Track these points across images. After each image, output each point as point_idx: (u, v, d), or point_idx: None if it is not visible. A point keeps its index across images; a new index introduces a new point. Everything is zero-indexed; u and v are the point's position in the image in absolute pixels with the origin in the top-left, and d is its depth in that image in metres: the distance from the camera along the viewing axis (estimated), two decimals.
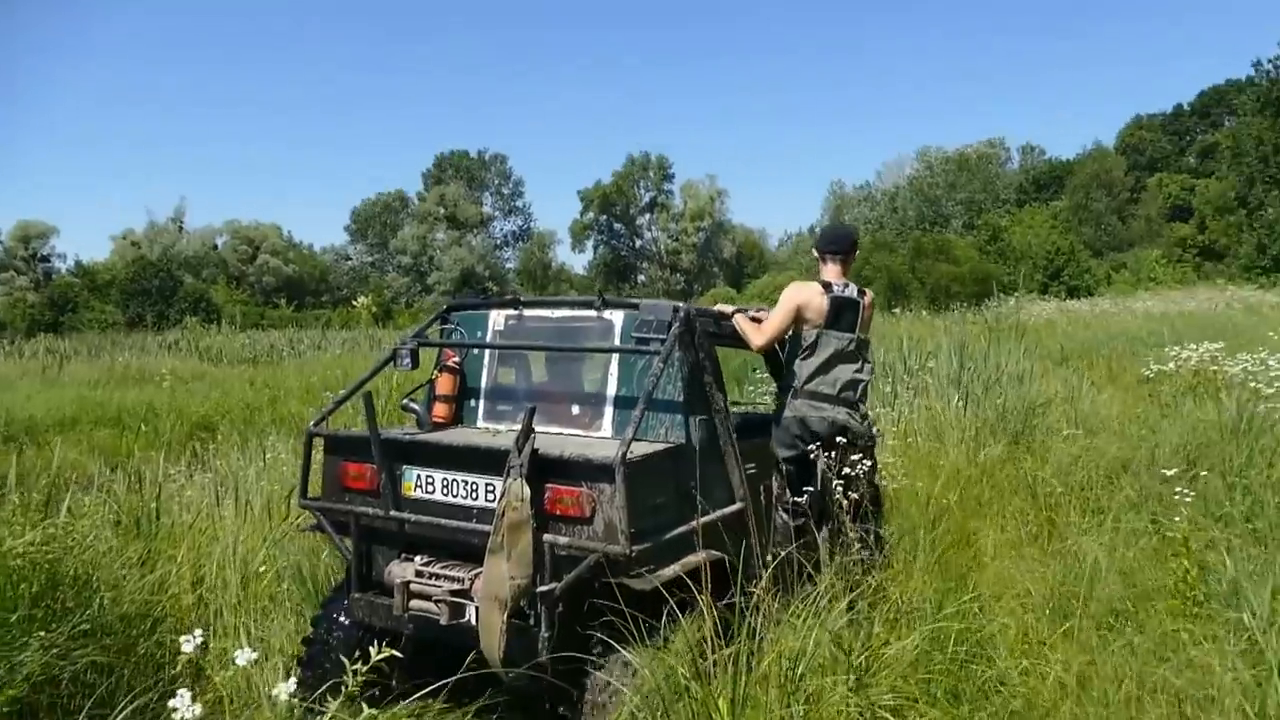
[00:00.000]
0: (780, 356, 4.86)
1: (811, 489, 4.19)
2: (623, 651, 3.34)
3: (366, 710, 3.36)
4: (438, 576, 3.72)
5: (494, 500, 3.55)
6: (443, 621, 3.59)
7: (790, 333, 4.69)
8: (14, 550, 3.90)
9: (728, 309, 4.69)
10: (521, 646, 3.42)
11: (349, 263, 73.18)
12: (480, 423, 4.48)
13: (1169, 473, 3.90)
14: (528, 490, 3.35)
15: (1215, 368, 8.82)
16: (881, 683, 2.81)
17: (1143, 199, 60.06)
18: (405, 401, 4.63)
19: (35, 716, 3.62)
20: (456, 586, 3.63)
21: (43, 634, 3.62)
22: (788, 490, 4.49)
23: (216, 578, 5.25)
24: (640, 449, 3.59)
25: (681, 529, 3.61)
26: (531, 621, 3.45)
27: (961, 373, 9.71)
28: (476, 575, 3.57)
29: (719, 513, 3.79)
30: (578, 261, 78.29)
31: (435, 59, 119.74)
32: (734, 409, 4.65)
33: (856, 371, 4.59)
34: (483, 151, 75.54)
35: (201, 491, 6.78)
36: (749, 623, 3.18)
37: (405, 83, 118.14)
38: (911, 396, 9.50)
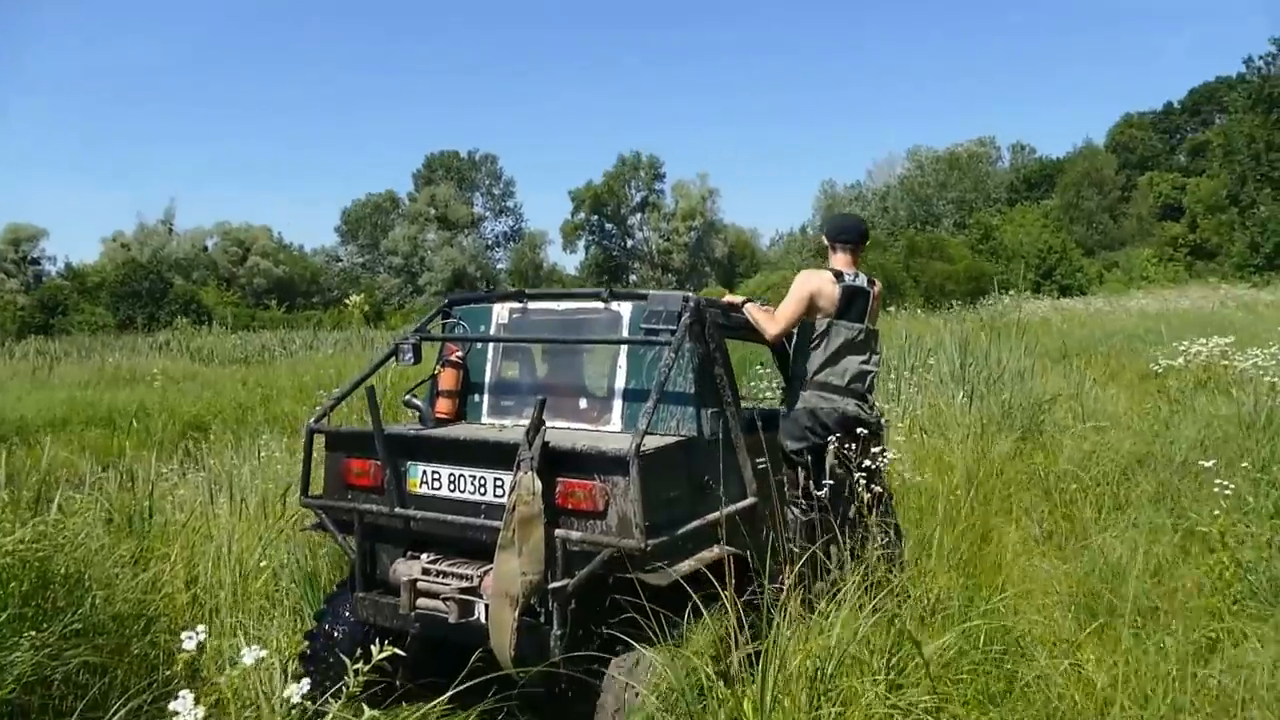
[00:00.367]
0: (787, 349, 4.77)
1: (829, 482, 4.07)
2: (640, 649, 3.23)
3: (369, 711, 3.26)
4: (445, 574, 3.62)
5: (503, 495, 3.45)
6: (451, 620, 3.50)
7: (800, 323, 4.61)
8: (3, 548, 3.77)
9: (738, 299, 4.60)
10: (533, 645, 3.33)
11: (339, 264, 72.92)
12: (485, 418, 4.39)
13: (1207, 464, 3.77)
14: (539, 484, 3.25)
15: (1226, 362, 8.73)
16: (919, 683, 2.68)
17: (1134, 198, 60.15)
18: (407, 397, 4.52)
19: (27, 717, 3.50)
20: (465, 584, 3.54)
21: (33, 633, 3.50)
22: (799, 484, 4.39)
23: (212, 576, 5.12)
24: (653, 442, 3.49)
25: (697, 523, 3.52)
26: (543, 619, 3.36)
27: (964, 369, 9.64)
28: (486, 572, 3.49)
29: (734, 506, 3.69)
30: (569, 262, 78.05)
31: (424, 59, 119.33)
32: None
33: (864, 363, 4.53)
34: (473, 152, 75.39)
35: (195, 490, 6.65)
36: (774, 620, 3.06)
37: (394, 83, 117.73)
38: (914, 393, 9.42)
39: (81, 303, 48.65)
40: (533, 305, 4.42)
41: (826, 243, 4.80)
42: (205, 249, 64.41)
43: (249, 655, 2.11)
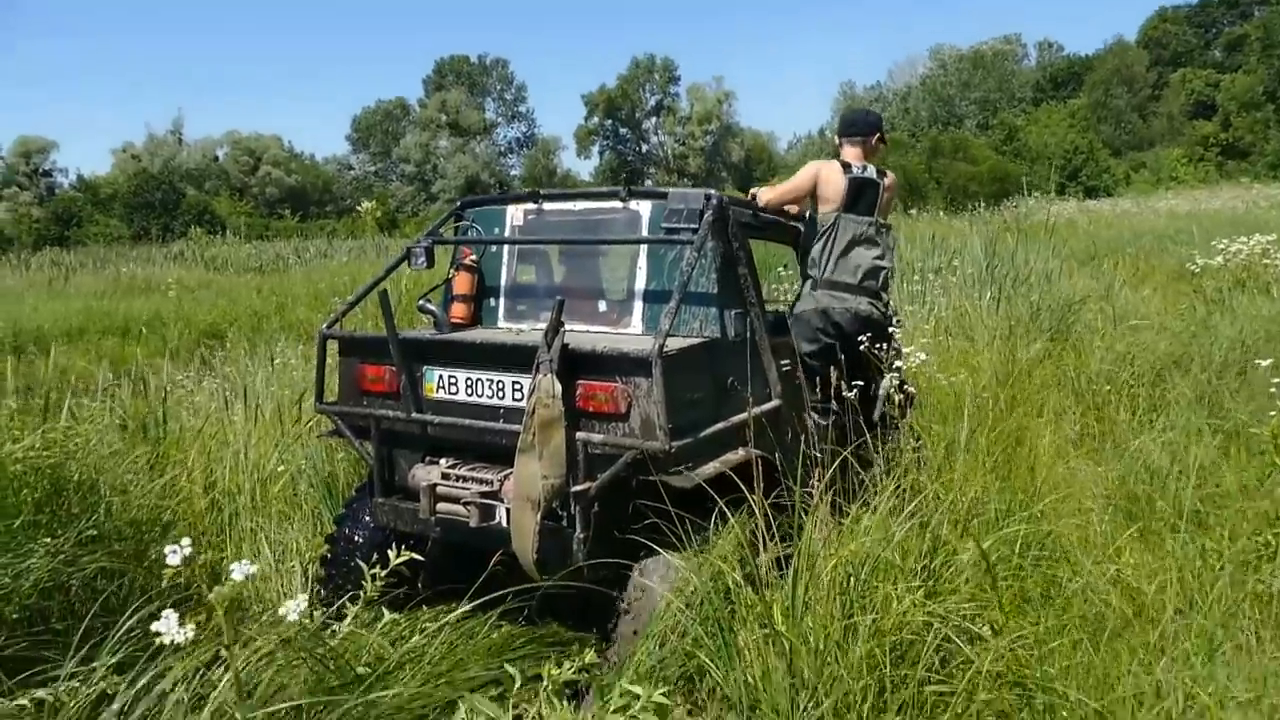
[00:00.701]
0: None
1: (858, 384, 3.93)
2: (664, 554, 3.16)
3: (387, 615, 3.23)
4: (465, 479, 3.55)
5: (522, 399, 3.36)
6: (472, 524, 3.44)
7: (809, 216, 4.50)
8: (13, 455, 3.71)
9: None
10: (556, 549, 3.28)
11: (352, 173, 72.18)
12: (501, 323, 4.28)
13: (1263, 363, 3.58)
14: (559, 386, 3.14)
15: (1268, 261, 8.43)
16: (959, 589, 2.58)
17: (1165, 96, 58.33)
18: (421, 303, 4.40)
19: (47, 622, 3.49)
20: (485, 489, 3.47)
21: (48, 540, 3.46)
22: (814, 388, 4.26)
23: (230, 481, 5.10)
24: (676, 343, 3.37)
25: (721, 425, 3.41)
26: (565, 523, 3.30)
27: (991, 270, 9.41)
28: (506, 476, 3.41)
29: (758, 409, 3.58)
30: (583, 168, 76.84)
31: None
32: None
33: (877, 258, 4.35)
34: (483, 56, 73.74)
35: (210, 397, 6.61)
36: (805, 524, 2.96)
37: None
38: (938, 295, 9.23)
39: (95, 214, 48.51)
40: (548, 206, 4.25)
41: (837, 143, 4.62)
42: (216, 159, 63.77)
43: (239, 570, 2.02)
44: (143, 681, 2.44)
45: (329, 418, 4.02)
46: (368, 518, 3.97)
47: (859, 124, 4.60)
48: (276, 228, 47.62)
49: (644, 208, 3.95)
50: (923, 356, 4.42)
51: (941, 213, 25.07)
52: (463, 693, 2.83)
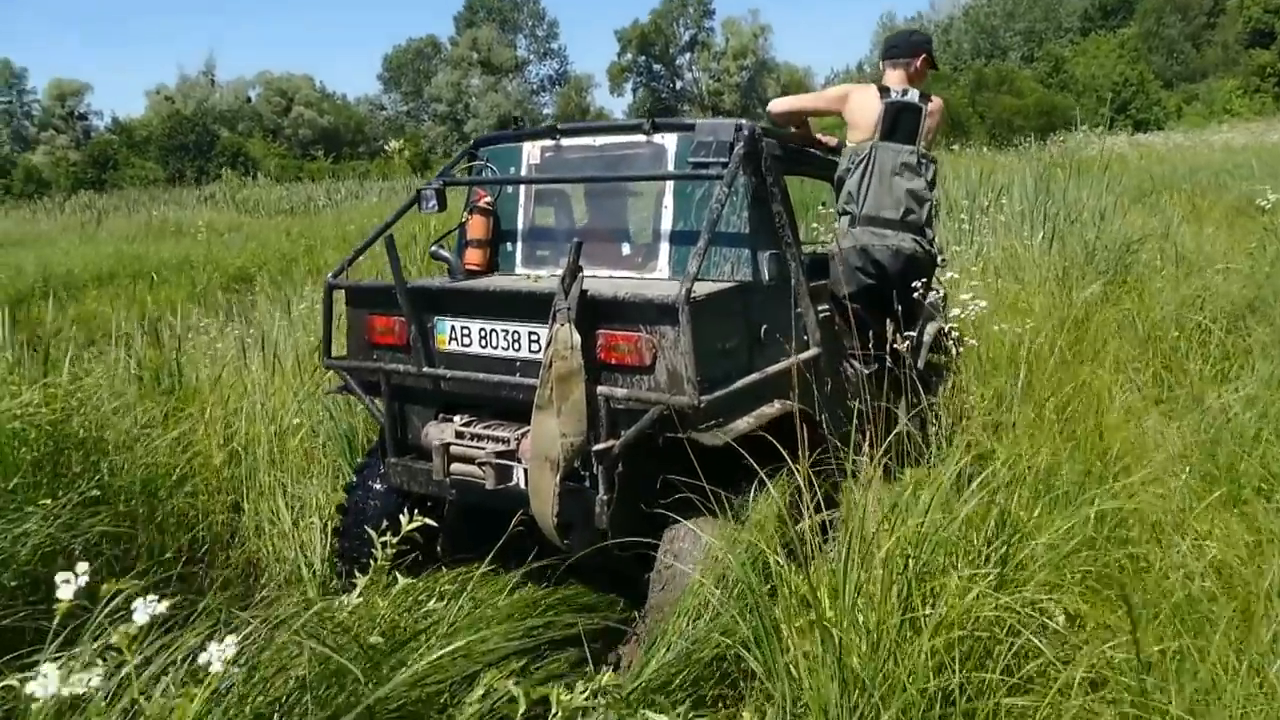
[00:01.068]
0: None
1: (910, 333, 3.61)
2: (690, 525, 2.91)
3: (402, 580, 3.02)
4: (480, 437, 3.31)
5: (539, 351, 3.09)
6: (488, 486, 3.21)
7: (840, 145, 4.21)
8: (11, 411, 3.52)
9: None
10: (578, 510, 3.06)
11: (384, 113, 71.74)
12: (519, 269, 4.00)
13: None
14: (578, 337, 2.87)
15: None
16: (1035, 575, 2.28)
17: (1221, 23, 55.89)
18: (434, 249, 4.14)
19: (52, 589, 3.33)
20: (501, 448, 3.22)
21: (48, 502, 3.27)
22: (852, 335, 3.92)
23: (248, 434, 4.92)
24: (704, 288, 3.08)
25: (755, 376, 3.14)
26: (587, 484, 3.06)
27: (1043, 208, 8.92)
28: (524, 434, 3.16)
29: (797, 357, 3.29)
30: (616, 106, 75.76)
31: None
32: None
33: (920, 190, 3.96)
34: None
35: (230, 345, 6.43)
36: (849, 489, 2.67)
37: None
38: (986, 234, 8.79)
39: (131, 157, 48.65)
40: (566, 142, 3.93)
41: (881, 68, 4.23)
42: (249, 100, 63.62)
43: (141, 611, 1.75)
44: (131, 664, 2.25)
45: (337, 373, 3.80)
46: (379, 485, 3.77)
47: (902, 45, 4.20)
48: (310, 169, 47.53)
49: (670, 141, 3.63)
50: (982, 304, 4.07)
51: (985, 148, 24.24)
52: (482, 665, 2.63)
